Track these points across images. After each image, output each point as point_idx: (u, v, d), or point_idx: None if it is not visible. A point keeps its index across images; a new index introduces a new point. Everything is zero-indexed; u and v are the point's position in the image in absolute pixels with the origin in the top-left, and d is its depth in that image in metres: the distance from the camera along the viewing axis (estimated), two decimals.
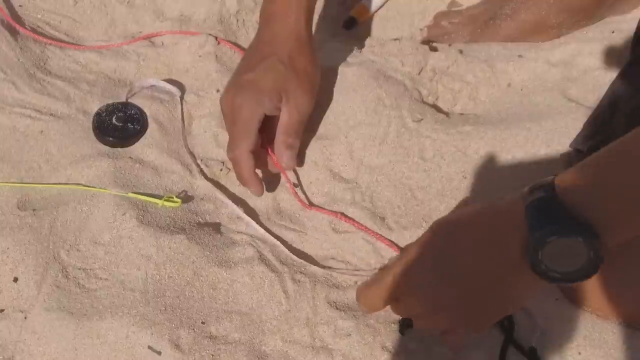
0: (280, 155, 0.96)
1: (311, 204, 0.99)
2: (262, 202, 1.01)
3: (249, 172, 0.95)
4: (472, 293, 0.73)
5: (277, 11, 0.99)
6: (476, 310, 0.75)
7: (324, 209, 0.98)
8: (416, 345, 0.83)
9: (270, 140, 0.98)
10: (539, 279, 0.67)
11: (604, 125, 0.91)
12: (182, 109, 1.09)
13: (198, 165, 1.03)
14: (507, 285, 0.72)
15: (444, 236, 0.75)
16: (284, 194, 1.01)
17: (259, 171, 0.99)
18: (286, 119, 0.95)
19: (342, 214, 0.97)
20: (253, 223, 0.96)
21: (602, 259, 0.64)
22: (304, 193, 1.02)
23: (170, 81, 1.13)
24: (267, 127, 0.97)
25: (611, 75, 1.00)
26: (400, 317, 0.83)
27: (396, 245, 0.94)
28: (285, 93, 0.95)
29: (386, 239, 0.94)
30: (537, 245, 0.65)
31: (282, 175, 1.00)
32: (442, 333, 0.80)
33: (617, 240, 0.65)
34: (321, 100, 1.07)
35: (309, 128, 1.04)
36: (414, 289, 0.77)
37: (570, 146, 0.97)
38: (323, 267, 0.92)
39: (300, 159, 1.01)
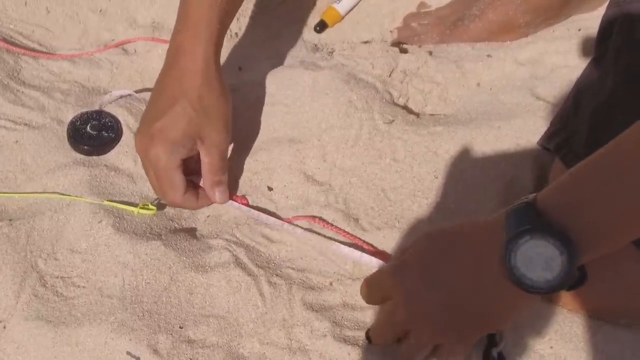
0: (212, 193, 0.97)
1: (282, 218, 0.99)
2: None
3: (195, 205, 0.98)
4: (455, 302, 0.74)
5: (185, 43, 0.94)
6: (459, 321, 0.75)
7: (300, 216, 0.98)
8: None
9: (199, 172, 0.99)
10: (518, 293, 0.67)
11: (569, 122, 0.92)
12: None
13: None
14: (488, 297, 0.73)
15: (435, 245, 0.77)
16: (256, 201, 1.02)
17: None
18: (208, 160, 0.95)
19: (320, 218, 0.98)
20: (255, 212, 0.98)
21: (576, 270, 0.65)
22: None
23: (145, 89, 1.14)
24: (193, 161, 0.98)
25: (578, 72, 1.00)
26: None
27: (374, 247, 0.94)
28: (199, 137, 0.93)
29: (365, 242, 0.95)
30: (510, 247, 0.65)
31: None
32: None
33: (595, 251, 0.65)
34: (293, 104, 1.08)
35: (281, 132, 1.06)
36: (400, 290, 0.78)
37: (537, 143, 0.98)
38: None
39: (231, 192, 1.01)
